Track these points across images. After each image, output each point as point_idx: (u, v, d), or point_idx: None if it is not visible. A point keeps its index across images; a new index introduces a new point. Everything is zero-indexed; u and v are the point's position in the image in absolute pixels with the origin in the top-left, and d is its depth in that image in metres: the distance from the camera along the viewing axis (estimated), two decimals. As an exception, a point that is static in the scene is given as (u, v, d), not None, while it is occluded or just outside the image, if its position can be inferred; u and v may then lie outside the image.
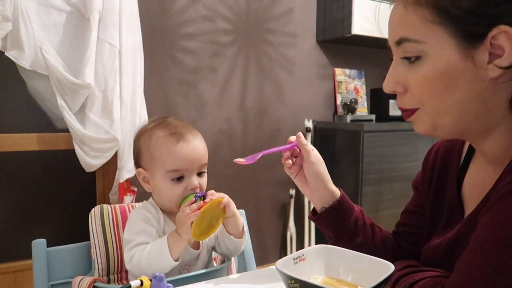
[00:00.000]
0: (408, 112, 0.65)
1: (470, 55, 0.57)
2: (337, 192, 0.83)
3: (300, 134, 0.83)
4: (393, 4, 0.64)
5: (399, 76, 0.64)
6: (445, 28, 0.58)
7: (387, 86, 0.65)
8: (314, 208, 0.86)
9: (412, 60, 0.61)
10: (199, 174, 0.94)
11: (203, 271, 0.92)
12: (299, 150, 0.83)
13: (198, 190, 0.92)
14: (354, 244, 0.79)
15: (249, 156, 0.83)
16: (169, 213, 0.96)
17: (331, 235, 0.83)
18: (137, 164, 0.97)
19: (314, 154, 0.82)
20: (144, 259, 0.87)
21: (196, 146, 0.92)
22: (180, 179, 0.91)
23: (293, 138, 0.83)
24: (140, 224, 0.91)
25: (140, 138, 0.97)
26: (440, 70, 0.59)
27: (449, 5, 0.57)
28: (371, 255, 0.70)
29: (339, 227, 0.81)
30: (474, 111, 0.60)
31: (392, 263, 0.63)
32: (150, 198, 1.00)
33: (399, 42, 0.62)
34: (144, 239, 0.89)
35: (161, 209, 0.96)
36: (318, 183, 0.82)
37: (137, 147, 0.97)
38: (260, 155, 0.82)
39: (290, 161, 0.83)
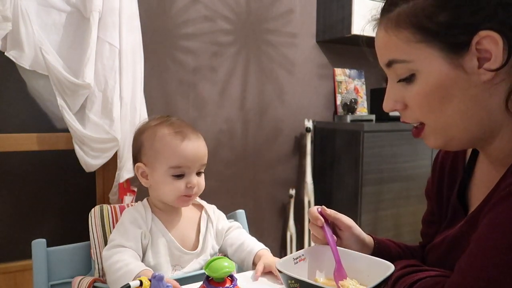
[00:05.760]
0: (416, 130, 0.66)
1: (459, 64, 0.58)
2: (370, 240, 0.80)
3: (324, 207, 0.78)
4: (376, 28, 0.67)
5: (396, 95, 0.65)
6: (429, 44, 0.59)
7: (387, 106, 0.66)
8: None
9: (407, 81, 0.62)
10: (198, 174, 0.96)
11: (203, 271, 0.91)
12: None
13: (195, 189, 0.94)
14: None
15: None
16: (162, 210, 0.97)
17: None
18: (136, 159, 0.98)
19: (346, 218, 0.79)
20: (109, 270, 0.86)
21: (199, 146, 0.95)
22: (180, 176, 0.93)
23: (314, 213, 0.77)
24: (127, 225, 0.92)
25: (143, 134, 0.98)
26: (433, 83, 0.60)
27: (427, 22, 0.58)
28: None
29: None
30: (476, 117, 0.60)
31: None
32: (144, 199, 1.01)
33: (389, 64, 0.64)
34: (123, 242, 0.89)
35: (151, 208, 0.97)
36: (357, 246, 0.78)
37: (138, 142, 0.98)
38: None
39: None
